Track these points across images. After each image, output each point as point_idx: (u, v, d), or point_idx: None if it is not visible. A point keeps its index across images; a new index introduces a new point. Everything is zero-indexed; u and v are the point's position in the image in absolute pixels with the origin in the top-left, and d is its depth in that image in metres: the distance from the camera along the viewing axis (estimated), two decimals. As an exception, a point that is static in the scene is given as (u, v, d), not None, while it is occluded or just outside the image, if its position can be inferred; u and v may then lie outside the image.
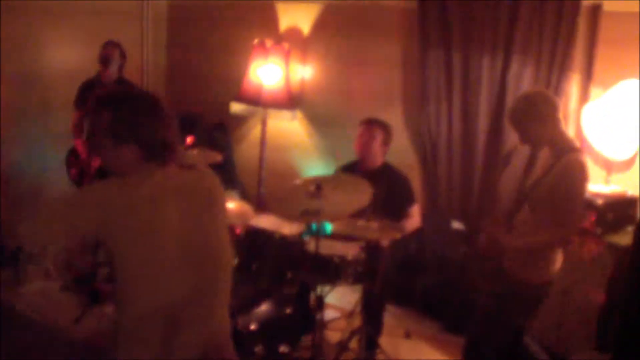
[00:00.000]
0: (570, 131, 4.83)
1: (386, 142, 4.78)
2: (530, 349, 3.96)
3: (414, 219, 4.77)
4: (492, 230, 3.63)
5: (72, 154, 5.72)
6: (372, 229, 4.12)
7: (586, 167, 3.43)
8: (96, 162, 5.49)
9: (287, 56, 6.24)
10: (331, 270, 4.19)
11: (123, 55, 5.64)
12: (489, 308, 3.71)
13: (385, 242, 4.50)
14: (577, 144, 3.55)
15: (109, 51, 5.54)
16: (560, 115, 3.52)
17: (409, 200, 4.79)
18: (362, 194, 3.92)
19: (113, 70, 5.58)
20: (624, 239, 4.25)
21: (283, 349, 4.15)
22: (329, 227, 4.79)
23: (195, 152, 4.75)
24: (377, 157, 4.78)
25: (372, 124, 4.77)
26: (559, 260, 3.60)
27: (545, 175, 3.46)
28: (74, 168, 5.69)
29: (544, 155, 3.58)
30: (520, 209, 3.58)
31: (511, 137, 5.31)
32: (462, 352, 3.88)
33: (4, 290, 5.27)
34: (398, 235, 4.19)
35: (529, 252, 3.56)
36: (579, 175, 3.40)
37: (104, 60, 5.47)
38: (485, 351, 3.73)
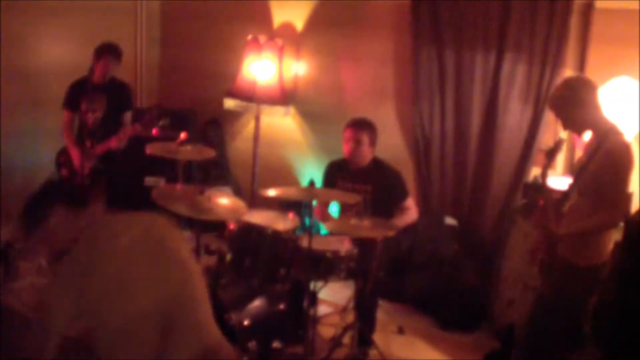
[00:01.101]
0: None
1: (373, 142, 4.77)
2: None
3: (410, 211, 4.77)
4: (543, 222, 3.61)
5: (62, 154, 5.68)
6: (365, 227, 4.13)
7: (631, 148, 3.45)
8: (89, 163, 5.47)
9: (280, 52, 6.25)
10: (324, 266, 4.20)
11: (119, 59, 5.58)
12: (551, 297, 3.70)
13: (379, 238, 4.50)
14: (619, 127, 3.56)
15: (105, 65, 5.47)
16: (600, 99, 3.54)
17: (402, 194, 4.80)
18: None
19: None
20: (616, 234, 4.26)
21: (276, 344, 4.16)
22: (322, 225, 4.82)
23: (188, 148, 4.75)
24: (366, 157, 4.79)
25: (357, 128, 4.73)
26: (610, 241, 3.62)
27: (590, 159, 3.49)
28: (64, 168, 5.66)
29: (588, 140, 3.62)
30: (569, 195, 3.60)
31: (504, 134, 5.33)
32: (523, 345, 3.86)
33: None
34: (391, 233, 4.20)
35: (583, 237, 3.57)
36: (626, 156, 3.42)
37: (104, 75, 5.45)
38: (548, 341, 3.72)
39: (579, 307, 3.73)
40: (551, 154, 3.63)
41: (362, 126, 4.74)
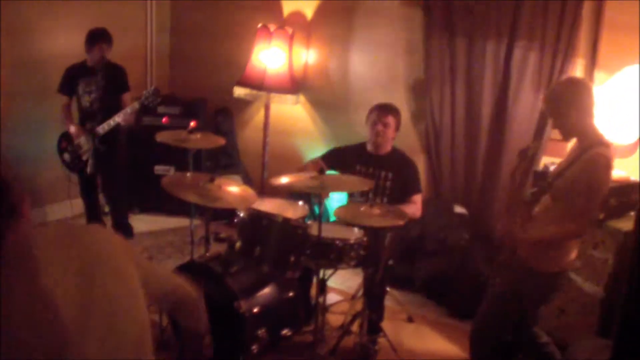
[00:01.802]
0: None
1: (398, 127, 4.81)
2: (540, 339, 3.95)
3: (416, 206, 4.77)
4: (507, 221, 3.60)
5: (63, 139, 5.70)
6: (375, 215, 4.13)
7: (611, 163, 3.38)
8: (90, 145, 5.47)
9: (290, 40, 6.24)
10: (334, 254, 4.20)
11: (110, 43, 5.54)
12: (500, 294, 3.71)
13: (389, 226, 4.50)
14: (606, 139, 3.51)
15: (99, 52, 5.44)
16: (595, 106, 3.49)
17: (416, 187, 4.80)
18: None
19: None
20: (627, 224, 4.25)
21: (285, 332, 4.17)
22: (332, 212, 4.81)
23: (198, 136, 4.75)
24: (390, 142, 4.82)
25: (385, 111, 4.77)
26: (573, 250, 3.58)
27: (569, 166, 3.44)
28: (66, 153, 5.68)
29: (572, 146, 3.59)
30: (540, 198, 3.58)
31: (515, 122, 5.32)
32: (469, 338, 3.88)
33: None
34: (401, 223, 4.19)
35: (542, 242, 3.54)
36: (603, 170, 3.35)
37: (98, 61, 5.44)
38: (492, 337, 3.74)
39: (530, 311, 3.74)
40: (523, 155, 3.60)
41: (389, 109, 4.78)
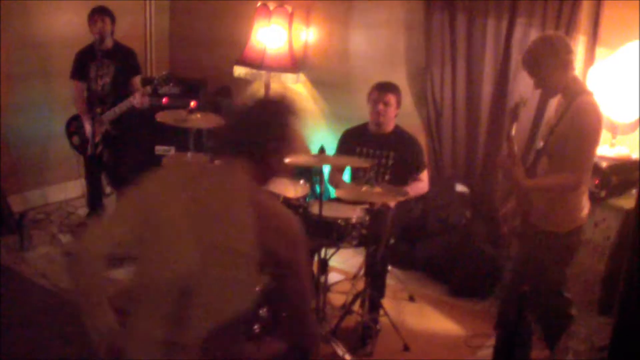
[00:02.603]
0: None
1: (399, 105, 4.81)
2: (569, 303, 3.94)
3: (422, 183, 4.78)
4: (512, 174, 3.54)
5: (73, 122, 5.70)
6: (376, 194, 4.12)
7: (598, 108, 3.39)
8: (101, 129, 5.47)
9: (290, 19, 6.20)
10: (335, 233, 4.20)
11: (113, 20, 5.54)
12: (525, 264, 3.70)
13: (391, 203, 4.50)
14: (588, 88, 3.48)
15: (103, 25, 5.42)
16: (574, 61, 3.47)
17: (421, 165, 4.81)
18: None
19: (109, 40, 5.53)
20: (628, 202, 4.25)
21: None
22: (333, 191, 4.81)
23: (199, 116, 4.74)
24: (391, 121, 4.81)
25: (385, 90, 4.76)
26: (585, 206, 3.58)
27: (559, 121, 3.43)
28: (75, 136, 5.69)
29: (558, 102, 3.56)
30: (539, 158, 3.56)
31: (516, 98, 5.28)
32: (499, 311, 3.86)
33: (9, 256, 5.30)
34: (401, 199, 4.19)
35: (552, 202, 3.53)
36: (593, 116, 3.36)
37: (100, 36, 5.40)
38: (526, 310, 3.72)
39: (553, 273, 3.71)
40: (513, 113, 3.56)
41: (389, 88, 4.77)
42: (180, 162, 2.22)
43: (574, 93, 3.41)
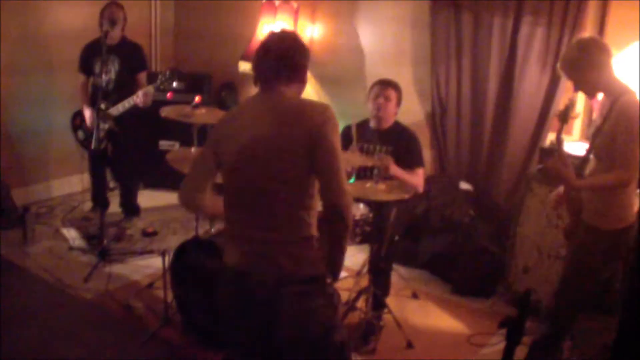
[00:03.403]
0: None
1: (399, 101, 4.79)
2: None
3: (417, 179, 4.75)
4: (558, 171, 3.57)
5: (77, 116, 5.70)
6: (381, 190, 4.12)
7: None
8: (105, 125, 5.47)
9: (296, 14, 6.19)
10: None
11: (125, 17, 5.58)
12: (576, 263, 3.69)
13: (394, 198, 4.49)
14: (630, 87, 3.51)
15: (115, 13, 5.45)
16: (612, 60, 3.48)
17: (418, 160, 4.78)
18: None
19: (117, 31, 5.53)
20: None
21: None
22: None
23: (203, 111, 4.74)
24: (392, 116, 4.80)
25: (386, 86, 4.76)
26: (635, 203, 3.59)
27: (604, 122, 3.45)
28: (80, 130, 5.69)
29: (601, 101, 3.58)
30: (587, 160, 3.58)
31: (521, 98, 5.28)
32: (554, 308, 3.85)
33: (12, 250, 5.30)
34: (406, 196, 4.18)
35: (603, 200, 3.54)
36: (636, 115, 3.37)
37: (111, 21, 5.39)
38: (578, 304, 3.74)
39: (605, 271, 3.73)
40: (564, 116, 3.59)
41: (390, 83, 4.77)
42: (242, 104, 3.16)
43: (616, 93, 3.44)
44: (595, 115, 3.69)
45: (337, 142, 2.70)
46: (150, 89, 5.31)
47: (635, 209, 3.60)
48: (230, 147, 2.74)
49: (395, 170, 4.43)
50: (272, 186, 2.67)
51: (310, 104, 2.80)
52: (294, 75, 2.80)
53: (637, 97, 3.43)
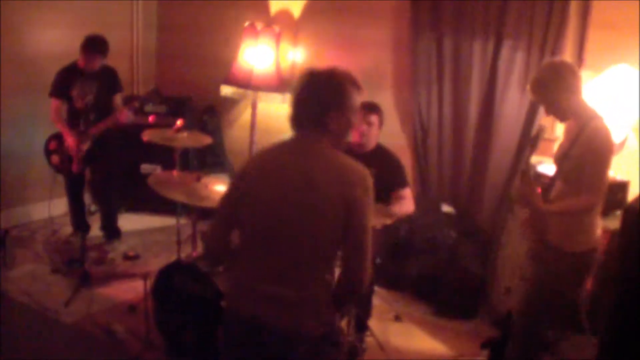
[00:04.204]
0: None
1: (381, 124, 4.81)
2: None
3: (407, 201, 4.76)
4: (527, 196, 3.59)
5: (52, 141, 5.66)
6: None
7: (609, 133, 3.45)
8: (85, 146, 5.46)
9: (277, 39, 6.22)
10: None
11: (105, 55, 5.53)
12: (539, 283, 3.70)
13: (378, 226, 4.50)
14: (598, 112, 3.54)
15: (92, 64, 5.46)
16: (581, 84, 3.52)
17: (402, 181, 4.79)
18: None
19: (98, 63, 5.53)
20: (614, 223, 4.26)
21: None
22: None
23: (185, 135, 4.74)
24: (374, 140, 4.81)
25: (368, 110, 4.77)
26: (598, 227, 3.61)
27: (572, 146, 3.47)
28: (54, 155, 5.65)
29: (569, 126, 3.60)
30: (554, 183, 3.60)
31: (502, 121, 5.32)
32: (514, 329, 3.86)
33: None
34: (389, 221, 4.19)
35: (569, 223, 3.57)
36: (605, 141, 3.42)
37: (90, 69, 5.44)
38: (536, 329, 3.74)
39: (569, 293, 3.75)
40: (534, 141, 3.62)
41: (372, 108, 4.77)
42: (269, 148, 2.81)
43: (585, 117, 3.47)
44: (562, 139, 3.71)
45: (371, 215, 2.58)
46: (131, 115, 5.34)
47: (599, 232, 3.63)
48: (260, 192, 2.60)
49: (394, 211, 4.42)
50: (301, 244, 2.55)
51: (351, 167, 2.65)
52: (334, 122, 2.62)
53: (605, 123, 3.47)
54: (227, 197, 2.74)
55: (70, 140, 5.48)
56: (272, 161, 2.68)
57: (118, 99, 5.73)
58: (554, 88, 3.47)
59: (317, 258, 2.59)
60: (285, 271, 2.58)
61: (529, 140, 3.68)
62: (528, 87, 3.63)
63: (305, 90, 2.64)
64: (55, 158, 5.65)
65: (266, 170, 2.65)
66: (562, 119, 3.61)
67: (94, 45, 5.44)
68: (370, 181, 2.61)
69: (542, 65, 3.75)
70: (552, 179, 3.63)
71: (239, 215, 2.66)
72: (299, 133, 2.66)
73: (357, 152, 4.80)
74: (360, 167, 2.66)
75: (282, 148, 2.70)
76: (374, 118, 4.73)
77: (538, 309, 3.70)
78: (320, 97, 2.62)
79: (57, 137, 5.60)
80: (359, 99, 2.76)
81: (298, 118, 2.65)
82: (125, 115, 5.39)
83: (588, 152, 3.39)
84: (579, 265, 3.60)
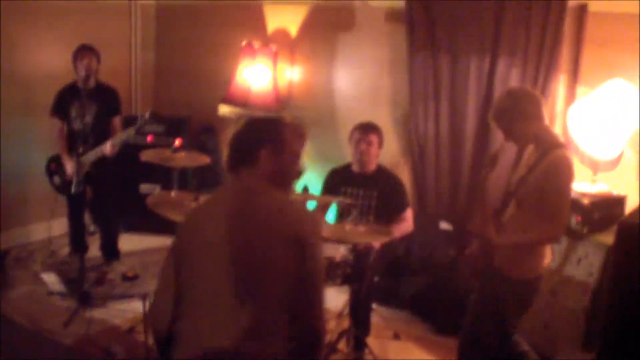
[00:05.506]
0: (557, 131, 4.84)
1: (381, 144, 4.84)
2: (520, 347, 3.95)
3: (407, 222, 4.80)
4: (482, 231, 3.61)
5: (53, 162, 5.67)
6: (360, 233, 4.13)
7: (572, 163, 3.44)
8: (83, 169, 5.46)
9: (275, 58, 6.25)
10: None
11: (99, 59, 5.55)
12: (482, 307, 3.70)
13: (376, 244, 4.52)
14: (562, 140, 3.55)
15: (89, 62, 5.43)
16: (544, 111, 3.52)
17: (404, 203, 4.82)
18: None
19: (93, 79, 5.51)
20: (610, 238, 4.26)
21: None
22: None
23: (183, 155, 4.75)
24: (374, 160, 4.84)
25: (368, 130, 4.80)
26: (547, 255, 3.61)
27: (530, 172, 3.46)
28: (55, 176, 5.66)
29: (529, 152, 3.59)
30: (507, 206, 3.59)
31: (499, 139, 5.33)
32: (457, 353, 3.87)
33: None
34: (386, 239, 4.20)
35: (518, 249, 3.56)
36: (566, 171, 3.41)
37: (88, 72, 5.40)
38: (479, 350, 3.72)
39: (513, 320, 3.70)
40: (491, 162, 3.64)
41: (371, 128, 4.82)
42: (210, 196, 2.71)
43: (546, 145, 3.46)
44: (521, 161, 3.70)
45: (322, 258, 2.50)
46: (131, 134, 5.30)
47: (547, 260, 3.63)
48: (195, 248, 2.49)
49: (394, 232, 4.43)
50: (251, 293, 2.40)
51: (291, 207, 2.56)
52: (267, 160, 2.53)
53: (568, 153, 3.46)
54: (167, 262, 2.62)
55: (68, 167, 5.48)
56: (205, 213, 2.63)
57: (117, 121, 5.68)
58: (510, 115, 3.49)
59: (270, 309, 2.43)
60: (236, 327, 2.38)
61: (488, 159, 3.67)
62: (489, 115, 3.65)
63: (240, 131, 2.61)
64: (56, 179, 5.66)
65: (199, 223, 2.57)
66: (521, 145, 3.61)
67: (84, 46, 5.47)
68: (317, 223, 2.56)
69: (501, 94, 3.78)
70: (505, 202, 3.61)
71: (181, 279, 2.52)
72: (233, 176, 2.57)
73: (359, 174, 4.84)
74: (304, 208, 2.61)
75: (215, 197, 2.67)
76: (373, 137, 4.76)
77: (479, 329, 3.70)
78: (253, 134, 2.58)
79: (57, 159, 5.61)
80: (297, 141, 2.68)
81: (231, 158, 2.58)
82: (110, 151, 5.32)
83: (547, 182, 3.38)
84: (522, 293, 3.60)
